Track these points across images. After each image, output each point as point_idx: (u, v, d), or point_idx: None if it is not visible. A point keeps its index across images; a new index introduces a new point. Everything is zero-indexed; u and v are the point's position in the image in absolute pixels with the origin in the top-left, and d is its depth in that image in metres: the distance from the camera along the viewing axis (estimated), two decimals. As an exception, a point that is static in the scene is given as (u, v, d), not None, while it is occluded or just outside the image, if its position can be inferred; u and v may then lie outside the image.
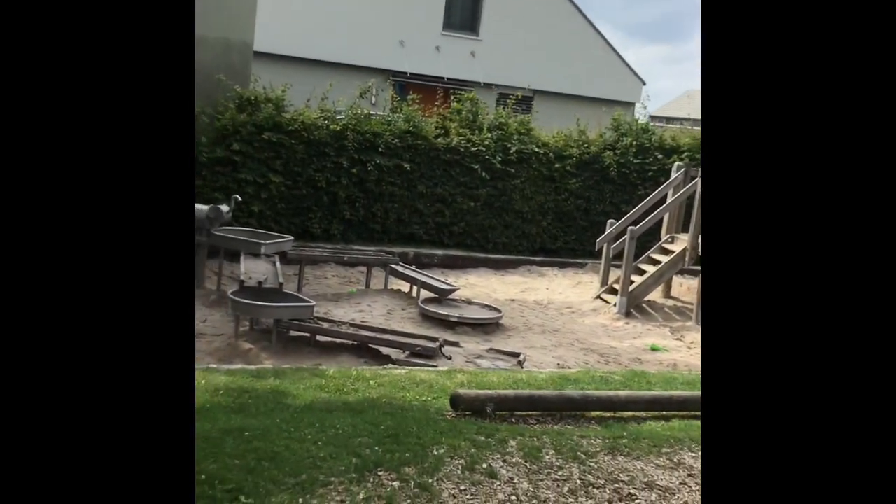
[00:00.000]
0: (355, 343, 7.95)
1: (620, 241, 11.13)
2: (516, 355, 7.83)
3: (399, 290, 10.56)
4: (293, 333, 7.99)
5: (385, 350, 7.88)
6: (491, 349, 8.12)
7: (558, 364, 7.93)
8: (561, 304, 11.14)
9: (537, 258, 13.89)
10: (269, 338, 7.88)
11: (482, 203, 13.40)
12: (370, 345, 7.92)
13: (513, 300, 11.09)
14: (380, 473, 3.86)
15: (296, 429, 4.32)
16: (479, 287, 11.76)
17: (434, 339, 7.94)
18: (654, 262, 11.36)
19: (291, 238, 10.15)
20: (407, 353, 7.63)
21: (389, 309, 9.69)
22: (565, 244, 14.22)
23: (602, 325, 10.17)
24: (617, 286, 11.02)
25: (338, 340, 7.98)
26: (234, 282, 9.51)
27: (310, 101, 12.37)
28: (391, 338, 7.88)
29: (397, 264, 10.69)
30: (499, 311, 9.71)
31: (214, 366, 6.24)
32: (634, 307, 10.90)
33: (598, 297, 11.44)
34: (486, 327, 9.18)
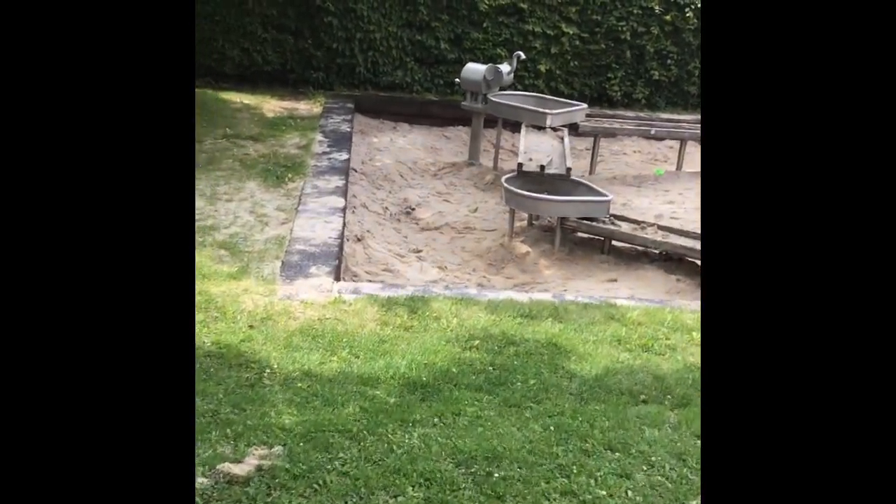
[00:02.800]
0: (665, 253, 5.92)
1: None
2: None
3: (721, 175, 8.20)
4: (582, 234, 6.17)
5: (707, 266, 5.78)
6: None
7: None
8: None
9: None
10: (551, 238, 6.19)
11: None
12: (687, 258, 5.84)
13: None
14: None
15: (581, 464, 2.50)
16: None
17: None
18: None
19: (584, 106, 8.43)
20: (740, 274, 5.45)
21: (708, 201, 7.46)
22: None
23: None
24: None
25: (641, 247, 6.01)
26: (514, 158, 7.82)
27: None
28: (716, 250, 5.71)
29: (720, 140, 8.27)
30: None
31: (473, 291, 4.61)
32: None
33: None
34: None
